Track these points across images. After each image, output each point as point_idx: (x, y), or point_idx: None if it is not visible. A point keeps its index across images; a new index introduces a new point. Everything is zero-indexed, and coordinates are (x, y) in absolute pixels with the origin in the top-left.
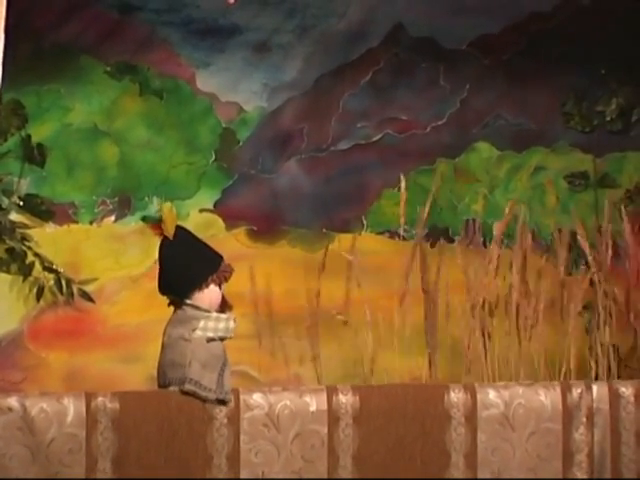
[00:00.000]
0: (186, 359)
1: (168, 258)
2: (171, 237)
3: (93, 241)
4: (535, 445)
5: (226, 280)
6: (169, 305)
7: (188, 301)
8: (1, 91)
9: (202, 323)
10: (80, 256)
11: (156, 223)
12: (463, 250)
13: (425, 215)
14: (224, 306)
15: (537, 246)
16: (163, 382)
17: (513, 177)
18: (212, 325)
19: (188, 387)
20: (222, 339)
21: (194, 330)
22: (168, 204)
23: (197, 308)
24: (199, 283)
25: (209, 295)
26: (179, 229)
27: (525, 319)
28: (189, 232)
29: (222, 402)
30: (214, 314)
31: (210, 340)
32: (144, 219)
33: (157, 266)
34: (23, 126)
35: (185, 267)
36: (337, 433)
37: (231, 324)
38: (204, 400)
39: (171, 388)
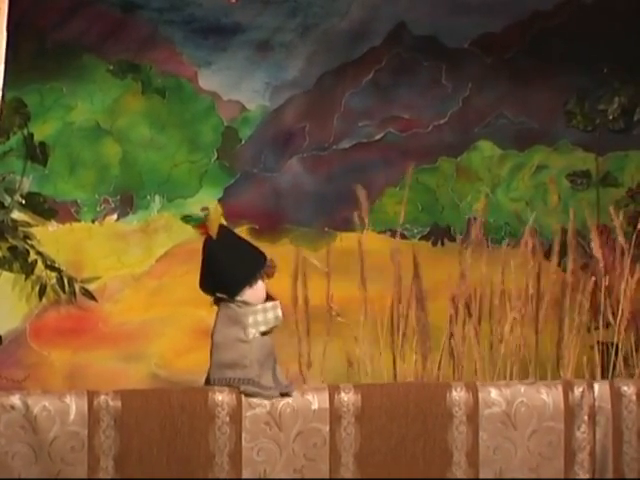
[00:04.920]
0: (246, 360)
1: (214, 258)
2: (214, 237)
3: (95, 240)
4: (537, 444)
5: (270, 275)
6: (214, 304)
7: (238, 298)
8: (4, 90)
9: (251, 319)
10: (82, 254)
11: (201, 223)
12: (464, 249)
13: None
14: (268, 298)
15: (539, 245)
16: (219, 381)
17: (515, 176)
18: (261, 318)
19: (250, 389)
20: (272, 329)
21: (246, 328)
22: (214, 204)
23: (246, 304)
24: (249, 281)
25: (257, 291)
26: (222, 228)
27: (527, 318)
28: (232, 231)
29: (286, 395)
30: (259, 306)
31: (264, 333)
32: (185, 218)
33: (200, 265)
34: (25, 124)
35: (234, 266)
36: (339, 432)
37: (278, 311)
38: (266, 398)
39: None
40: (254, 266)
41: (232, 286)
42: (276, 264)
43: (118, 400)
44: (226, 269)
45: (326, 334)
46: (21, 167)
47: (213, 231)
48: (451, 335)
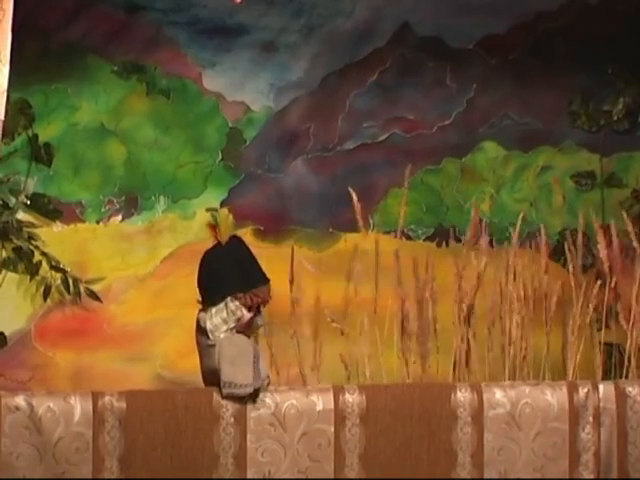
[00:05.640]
0: (215, 363)
1: (209, 263)
2: (222, 243)
3: (100, 240)
4: (541, 445)
5: (257, 304)
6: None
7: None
8: (8, 90)
9: (209, 324)
10: (87, 255)
11: (212, 225)
12: (469, 250)
13: None
14: (247, 329)
15: (543, 246)
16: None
17: (520, 177)
18: (218, 320)
19: (226, 391)
20: (246, 329)
21: (209, 332)
22: (224, 211)
23: (204, 310)
24: (226, 294)
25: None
26: (233, 238)
27: (531, 319)
28: (242, 244)
29: (258, 390)
30: (213, 309)
31: (232, 331)
32: (212, 213)
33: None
34: (30, 125)
35: (220, 276)
36: (344, 432)
37: (231, 306)
38: (243, 397)
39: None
40: (240, 284)
41: (209, 293)
42: (270, 298)
43: (123, 401)
44: (212, 276)
45: (328, 335)
46: (26, 168)
47: (221, 236)
48: (455, 336)
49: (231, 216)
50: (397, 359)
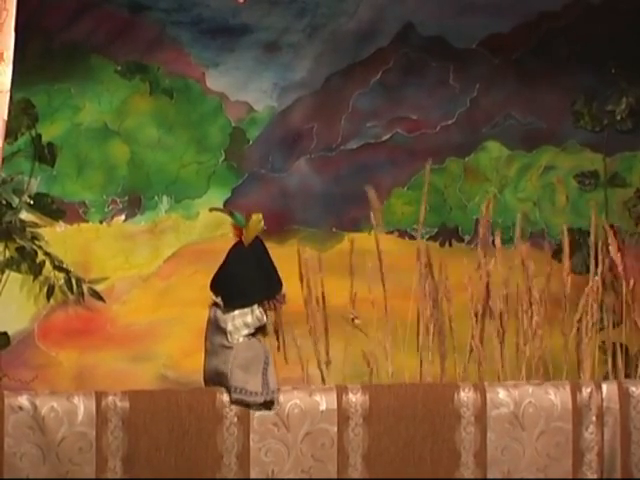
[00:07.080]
0: (227, 367)
1: (237, 262)
2: (246, 245)
3: (103, 240)
4: (545, 444)
5: (275, 309)
6: (212, 305)
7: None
8: (11, 90)
9: (230, 325)
10: (90, 255)
11: (240, 227)
12: (472, 250)
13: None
14: (260, 328)
15: (547, 245)
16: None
17: (523, 176)
18: (240, 322)
19: (235, 396)
20: (258, 331)
21: (228, 334)
22: (259, 216)
23: (222, 309)
24: (255, 301)
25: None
26: (257, 240)
27: (535, 319)
28: (264, 247)
29: (270, 403)
30: (237, 311)
31: (253, 335)
32: (233, 216)
33: (219, 264)
34: (33, 125)
35: (250, 279)
36: (347, 432)
37: (257, 312)
38: (251, 405)
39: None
40: (266, 290)
41: (235, 296)
42: (286, 301)
43: (126, 401)
44: (240, 279)
45: (338, 335)
46: (29, 168)
47: (247, 239)
48: (459, 336)
49: (263, 221)
50: (399, 359)
